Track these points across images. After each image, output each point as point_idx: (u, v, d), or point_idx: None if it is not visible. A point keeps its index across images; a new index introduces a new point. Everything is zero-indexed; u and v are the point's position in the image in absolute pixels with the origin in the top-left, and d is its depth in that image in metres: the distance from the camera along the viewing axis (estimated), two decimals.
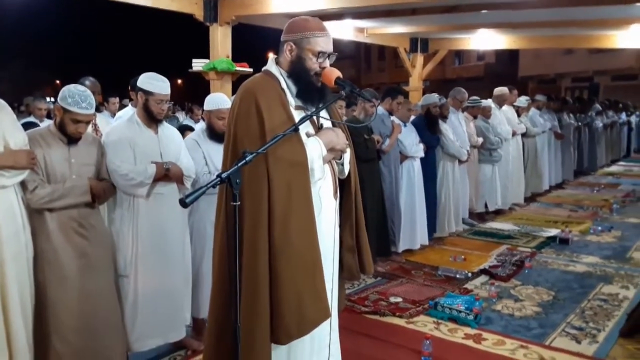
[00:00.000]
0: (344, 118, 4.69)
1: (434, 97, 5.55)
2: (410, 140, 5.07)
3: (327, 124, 2.24)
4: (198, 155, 3.23)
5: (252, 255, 1.99)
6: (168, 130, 3.17)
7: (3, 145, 2.47)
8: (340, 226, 2.31)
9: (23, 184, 2.56)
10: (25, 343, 2.54)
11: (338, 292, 2.33)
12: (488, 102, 6.63)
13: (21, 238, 2.54)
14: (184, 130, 4.26)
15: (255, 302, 1.98)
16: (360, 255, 2.34)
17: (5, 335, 2.47)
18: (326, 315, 2.13)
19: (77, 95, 2.61)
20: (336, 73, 2.09)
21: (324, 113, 2.15)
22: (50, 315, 2.63)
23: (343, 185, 2.31)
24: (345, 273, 2.34)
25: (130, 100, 4.57)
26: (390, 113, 4.94)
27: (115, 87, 6.64)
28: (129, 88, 4.32)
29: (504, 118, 6.91)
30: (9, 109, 2.57)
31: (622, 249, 5.49)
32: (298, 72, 2.11)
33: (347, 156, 2.25)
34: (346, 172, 2.28)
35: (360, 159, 4.33)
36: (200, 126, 4.05)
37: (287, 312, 1.99)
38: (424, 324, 3.65)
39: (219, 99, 3.33)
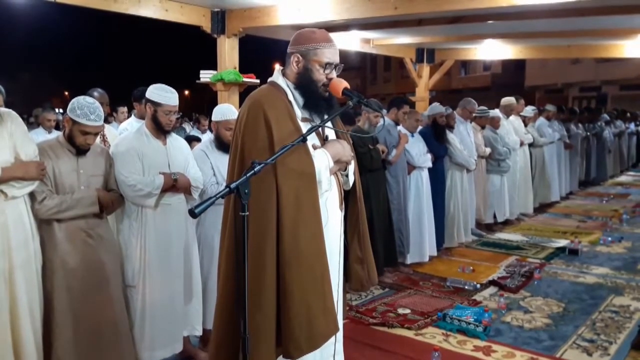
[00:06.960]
0: (349, 128, 4.69)
1: (440, 107, 5.56)
2: (418, 150, 5.06)
3: (331, 134, 2.25)
4: (206, 166, 3.24)
5: (259, 266, 1.98)
6: (176, 141, 3.18)
7: (14, 156, 2.50)
8: (347, 237, 2.31)
9: (32, 195, 2.58)
10: (34, 350, 2.54)
11: (342, 302, 2.32)
12: (496, 112, 6.62)
13: (30, 247, 2.56)
14: (190, 141, 4.29)
15: (260, 313, 1.97)
16: (366, 266, 2.34)
17: (12, 342, 2.47)
18: (336, 328, 2.11)
19: (86, 107, 2.64)
20: (344, 84, 2.10)
21: (329, 124, 2.16)
22: (56, 325, 2.63)
23: (348, 197, 2.31)
24: (354, 284, 2.34)
25: (132, 109, 4.63)
26: (397, 123, 4.94)
27: (124, 98, 6.69)
28: (132, 99, 4.37)
29: (512, 128, 6.89)
30: (20, 120, 2.61)
31: (633, 259, 5.42)
32: (305, 83, 2.12)
33: (352, 167, 2.26)
34: (350, 183, 2.29)
35: (365, 169, 4.39)
36: (208, 137, 4.07)
37: (296, 325, 1.97)
38: (433, 335, 3.62)
39: (227, 110, 3.35)
